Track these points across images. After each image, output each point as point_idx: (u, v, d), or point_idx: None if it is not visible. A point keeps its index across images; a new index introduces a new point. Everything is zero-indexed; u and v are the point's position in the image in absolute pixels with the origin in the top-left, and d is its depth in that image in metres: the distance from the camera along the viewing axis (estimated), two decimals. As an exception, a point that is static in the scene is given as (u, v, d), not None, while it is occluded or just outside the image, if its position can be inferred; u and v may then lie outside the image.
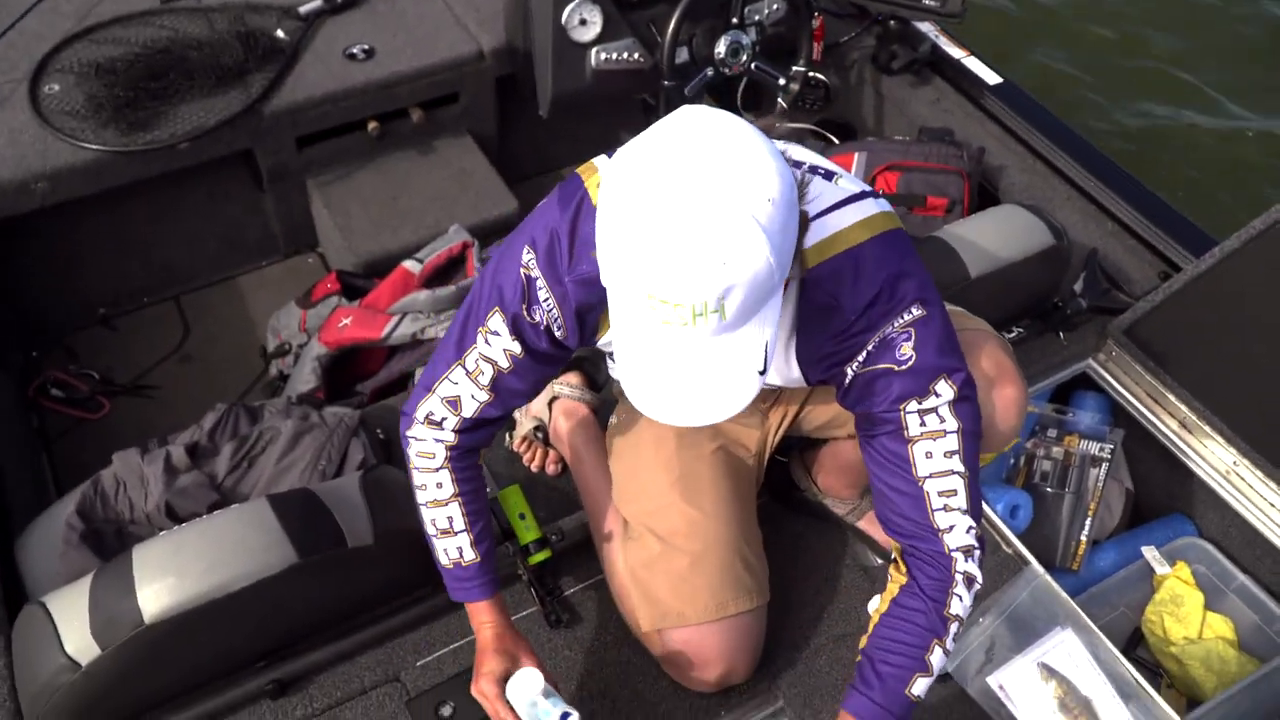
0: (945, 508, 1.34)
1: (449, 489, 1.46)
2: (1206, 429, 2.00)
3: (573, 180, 1.33)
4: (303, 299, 2.50)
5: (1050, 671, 1.69)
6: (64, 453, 2.34)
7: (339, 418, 2.05)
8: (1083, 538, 2.05)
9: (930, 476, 1.33)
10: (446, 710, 1.62)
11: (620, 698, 1.67)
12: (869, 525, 1.84)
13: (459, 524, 1.46)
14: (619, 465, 1.73)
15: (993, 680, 1.69)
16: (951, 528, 1.35)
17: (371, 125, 2.58)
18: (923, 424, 1.32)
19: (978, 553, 1.37)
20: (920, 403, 1.31)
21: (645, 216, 1.06)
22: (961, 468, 1.33)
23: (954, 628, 1.38)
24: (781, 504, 1.90)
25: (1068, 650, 1.69)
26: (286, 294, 2.58)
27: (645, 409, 1.17)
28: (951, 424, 1.32)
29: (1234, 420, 1.98)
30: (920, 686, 1.36)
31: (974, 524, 1.36)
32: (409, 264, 2.36)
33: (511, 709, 1.44)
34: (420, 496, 1.48)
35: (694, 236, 1.04)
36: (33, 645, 1.52)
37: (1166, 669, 1.92)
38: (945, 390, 1.31)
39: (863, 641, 1.42)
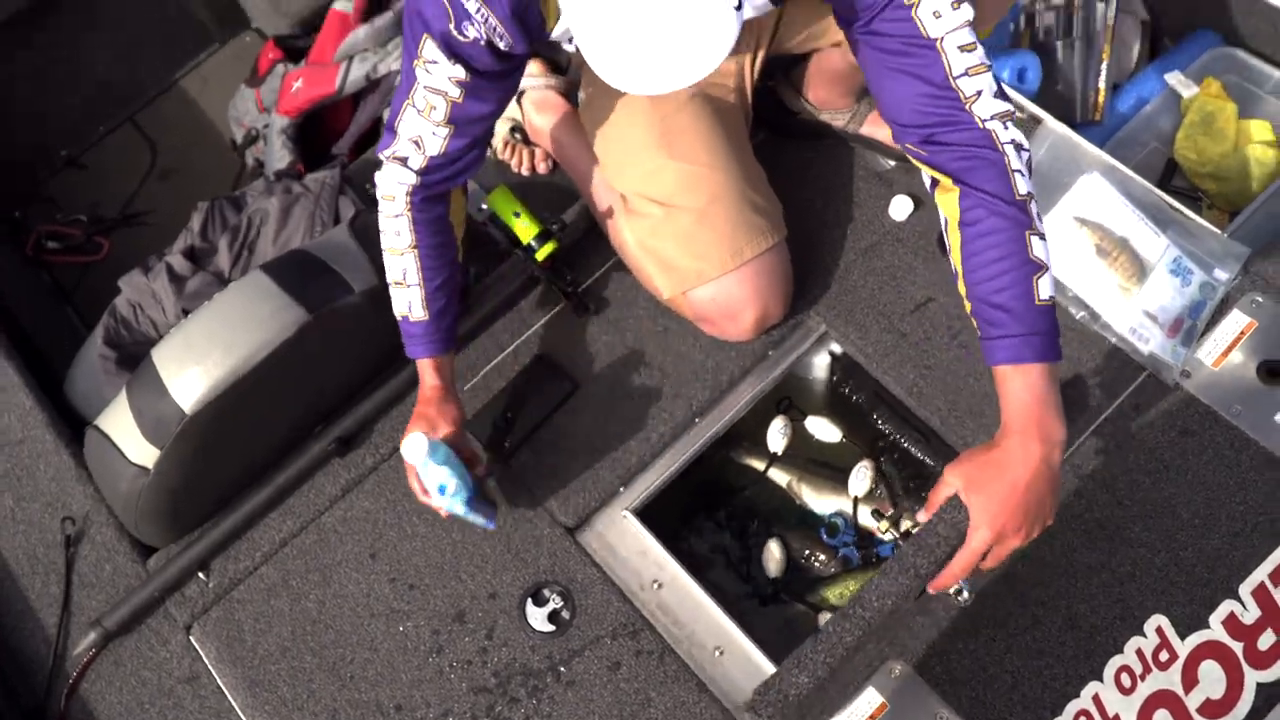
0: (967, 70, 1.20)
1: (407, 238, 1.42)
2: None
3: None
4: (251, 78, 2.41)
5: (1082, 221, 1.64)
6: (85, 301, 2.35)
7: (320, 181, 2.00)
8: (1100, 85, 1.94)
9: (946, 35, 1.20)
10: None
11: (665, 364, 1.69)
12: (872, 128, 1.76)
13: (412, 278, 1.44)
14: (599, 141, 1.65)
15: (1027, 246, 1.66)
16: (979, 93, 1.21)
17: None
18: None
19: (1015, 113, 1.24)
20: None
21: None
22: (970, 38, 1.20)
23: (1033, 207, 1.23)
24: (779, 134, 1.82)
25: (1096, 193, 1.64)
26: (236, 80, 2.48)
27: (617, 80, 1.09)
28: None
29: None
30: (1045, 286, 1.20)
31: (997, 83, 1.22)
32: (339, 5, 2.24)
33: (416, 471, 1.43)
34: (382, 241, 1.45)
35: None
36: (103, 464, 1.58)
37: (1204, 190, 1.86)
38: None
39: (965, 299, 1.26)
